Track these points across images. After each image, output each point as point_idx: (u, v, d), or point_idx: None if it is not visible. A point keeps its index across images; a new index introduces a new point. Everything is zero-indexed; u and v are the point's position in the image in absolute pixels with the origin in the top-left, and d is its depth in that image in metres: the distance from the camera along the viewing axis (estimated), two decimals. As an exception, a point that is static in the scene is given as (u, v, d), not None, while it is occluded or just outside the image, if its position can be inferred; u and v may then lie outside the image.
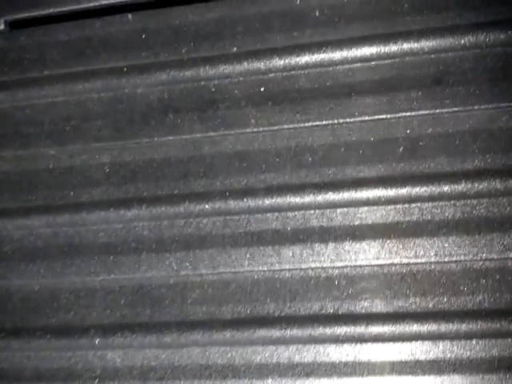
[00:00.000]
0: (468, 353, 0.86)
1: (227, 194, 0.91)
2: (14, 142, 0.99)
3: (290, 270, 0.90)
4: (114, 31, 0.97)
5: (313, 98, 0.90)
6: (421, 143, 0.88)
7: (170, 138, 0.93)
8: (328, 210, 0.89)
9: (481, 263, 0.86)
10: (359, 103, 0.89)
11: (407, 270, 0.88)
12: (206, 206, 0.91)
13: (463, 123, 0.87)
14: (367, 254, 0.88)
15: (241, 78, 0.92)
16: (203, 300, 0.92)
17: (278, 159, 0.91)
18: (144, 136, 0.94)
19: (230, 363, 0.91)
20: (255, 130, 0.91)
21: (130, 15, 0.96)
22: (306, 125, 0.90)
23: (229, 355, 0.91)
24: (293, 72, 0.91)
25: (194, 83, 0.93)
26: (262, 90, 0.92)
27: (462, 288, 0.86)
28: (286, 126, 0.90)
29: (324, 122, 0.89)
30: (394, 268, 0.88)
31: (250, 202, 0.90)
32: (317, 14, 0.91)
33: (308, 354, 0.90)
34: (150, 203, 0.93)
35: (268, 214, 0.91)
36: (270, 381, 0.90)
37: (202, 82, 0.93)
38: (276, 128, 0.91)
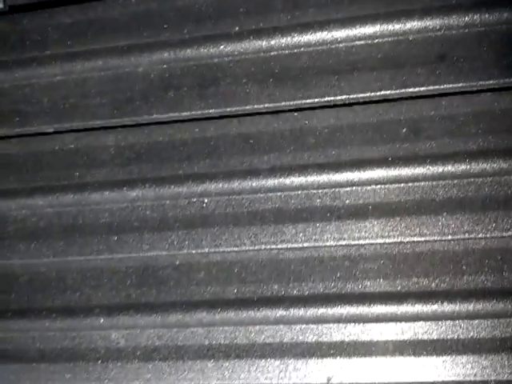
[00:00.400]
0: (470, 333, 0.86)
1: (231, 174, 0.91)
2: (13, 120, 0.99)
3: (293, 249, 0.90)
4: (117, 13, 0.97)
5: (315, 75, 0.90)
6: (424, 124, 0.88)
7: (170, 114, 0.93)
8: (331, 190, 0.89)
9: (483, 243, 0.86)
10: (362, 80, 0.88)
11: (410, 250, 0.87)
12: (210, 186, 0.91)
13: (466, 105, 0.87)
14: (370, 233, 0.88)
15: (242, 57, 0.92)
16: (208, 280, 0.92)
17: (281, 140, 0.91)
18: (143, 113, 0.94)
19: (234, 343, 0.92)
20: (256, 106, 0.91)
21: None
22: (308, 101, 0.89)
23: (232, 335, 0.92)
24: (295, 50, 0.90)
25: (196, 61, 0.93)
26: (264, 68, 0.91)
27: (464, 268, 0.86)
28: (287, 103, 0.90)
29: (326, 99, 0.89)
30: (396, 247, 0.88)
31: (254, 182, 0.90)
32: (320, -7, 0.91)
33: (311, 334, 0.90)
34: (154, 183, 0.93)
35: (271, 194, 0.91)
36: (272, 360, 0.90)
37: (204, 61, 0.93)
38: (277, 105, 0.90)
